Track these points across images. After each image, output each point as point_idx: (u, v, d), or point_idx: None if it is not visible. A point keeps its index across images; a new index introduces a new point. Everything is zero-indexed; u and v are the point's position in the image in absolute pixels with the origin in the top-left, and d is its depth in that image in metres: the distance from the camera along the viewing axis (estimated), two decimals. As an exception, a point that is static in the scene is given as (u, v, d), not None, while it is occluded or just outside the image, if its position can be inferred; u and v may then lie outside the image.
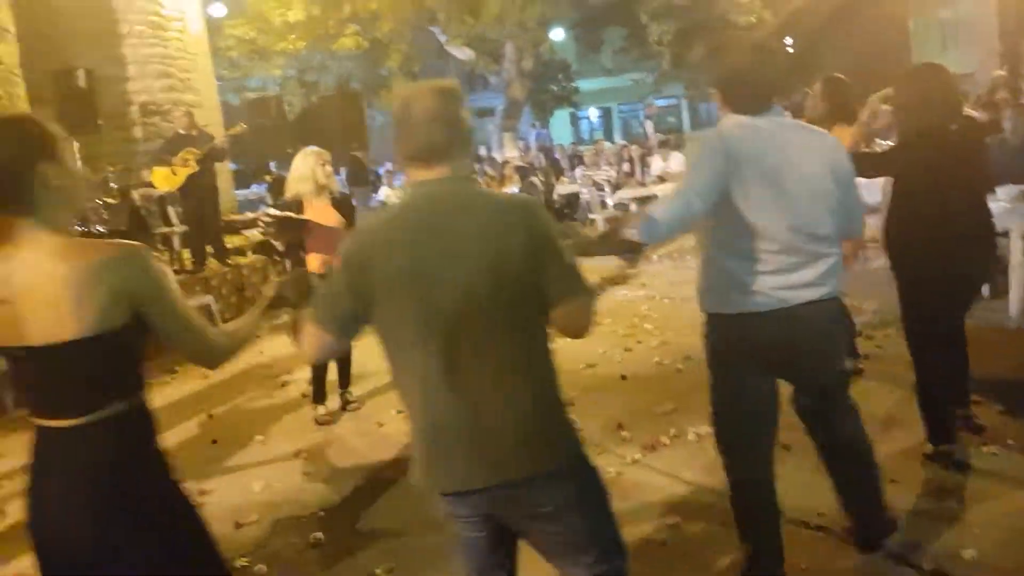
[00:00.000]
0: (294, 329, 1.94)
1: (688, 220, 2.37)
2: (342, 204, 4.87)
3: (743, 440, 2.61)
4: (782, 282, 2.38)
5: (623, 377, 5.12)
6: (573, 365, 5.10)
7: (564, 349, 1.93)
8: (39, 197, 1.64)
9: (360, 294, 1.78)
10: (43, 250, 1.63)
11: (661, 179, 12.46)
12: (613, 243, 2.35)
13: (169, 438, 4.98)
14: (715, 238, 2.44)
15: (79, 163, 1.75)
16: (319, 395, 4.97)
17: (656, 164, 13.48)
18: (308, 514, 3.72)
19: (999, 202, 5.21)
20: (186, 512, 1.85)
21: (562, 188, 14.06)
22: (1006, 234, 5.18)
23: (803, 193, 2.36)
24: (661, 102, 22.57)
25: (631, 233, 2.33)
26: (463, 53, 16.39)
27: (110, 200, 7.70)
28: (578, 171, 14.50)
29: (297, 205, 4.69)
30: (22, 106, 8.43)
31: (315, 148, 4.85)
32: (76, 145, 8.74)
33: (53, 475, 1.70)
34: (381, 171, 16.73)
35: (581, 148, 19.94)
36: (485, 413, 1.76)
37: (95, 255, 1.64)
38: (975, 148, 3.59)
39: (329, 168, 4.83)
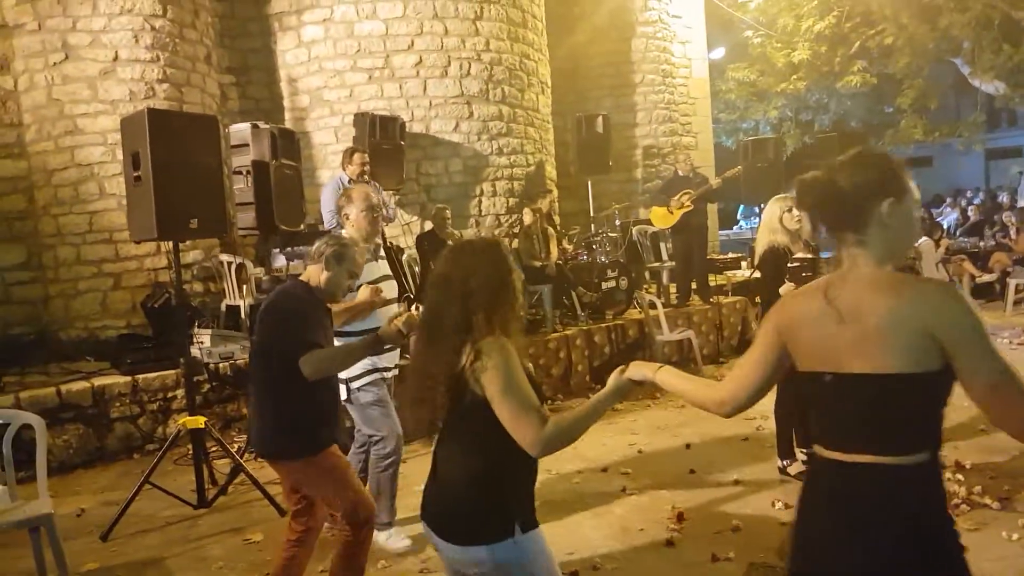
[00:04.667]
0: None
1: None
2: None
3: None
4: None
5: None
6: None
7: None
8: (873, 232, 1.65)
9: None
10: (866, 281, 1.64)
11: None
12: None
13: (651, 458, 5.23)
14: None
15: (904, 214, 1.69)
16: (783, 451, 4.73)
17: None
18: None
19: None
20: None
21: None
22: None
23: None
24: None
25: None
26: (991, 86, 14.36)
27: (612, 234, 8.42)
28: None
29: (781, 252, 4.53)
30: (550, 148, 9.74)
31: (781, 195, 4.77)
32: (589, 183, 9.81)
33: (834, 510, 1.65)
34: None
35: None
36: None
37: (909, 291, 1.60)
38: None
39: (795, 212, 4.58)
